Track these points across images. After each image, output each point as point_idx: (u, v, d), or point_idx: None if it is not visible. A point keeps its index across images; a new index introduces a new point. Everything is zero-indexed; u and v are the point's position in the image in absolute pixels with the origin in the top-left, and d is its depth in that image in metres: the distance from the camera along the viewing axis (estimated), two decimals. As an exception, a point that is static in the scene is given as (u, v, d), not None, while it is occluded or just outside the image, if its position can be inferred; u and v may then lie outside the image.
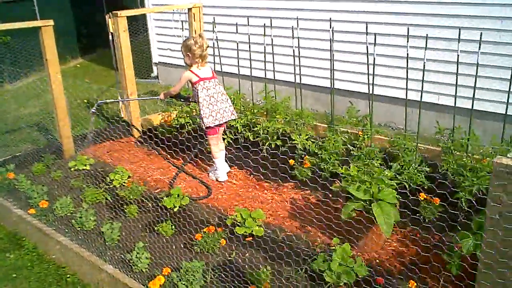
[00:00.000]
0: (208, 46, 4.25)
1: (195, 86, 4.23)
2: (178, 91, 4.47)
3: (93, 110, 4.66)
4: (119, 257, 3.25)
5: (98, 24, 11.88)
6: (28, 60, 9.72)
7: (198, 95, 4.21)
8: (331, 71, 4.69)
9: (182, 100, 4.68)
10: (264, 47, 5.04)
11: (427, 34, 4.00)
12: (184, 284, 2.92)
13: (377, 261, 3.21)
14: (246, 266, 3.07)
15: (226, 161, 4.58)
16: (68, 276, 3.32)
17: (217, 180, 4.48)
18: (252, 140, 4.89)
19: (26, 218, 3.71)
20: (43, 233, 3.51)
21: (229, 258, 3.22)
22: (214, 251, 3.29)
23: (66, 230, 3.60)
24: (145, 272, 3.08)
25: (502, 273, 1.38)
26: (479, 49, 3.78)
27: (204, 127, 4.29)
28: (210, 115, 4.23)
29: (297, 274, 3.01)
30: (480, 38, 3.78)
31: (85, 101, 7.57)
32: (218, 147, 4.45)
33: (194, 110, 5.23)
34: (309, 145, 4.46)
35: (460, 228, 2.79)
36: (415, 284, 2.79)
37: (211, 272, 3.04)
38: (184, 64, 4.44)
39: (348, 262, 2.92)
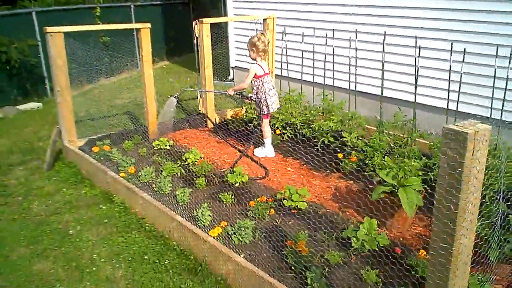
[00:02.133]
0: (269, 42, 5.10)
1: (260, 79, 5.05)
2: (247, 86, 5.25)
3: (176, 95, 5.51)
4: (188, 214, 4.03)
5: (184, 30, 13.14)
6: (122, 60, 11.04)
7: (263, 86, 5.05)
8: (381, 80, 5.25)
9: (243, 97, 5.42)
10: (325, 56, 5.71)
11: (464, 49, 4.47)
12: (236, 237, 3.64)
13: (401, 239, 3.74)
14: (289, 230, 3.74)
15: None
16: (147, 225, 4.16)
17: (265, 156, 5.34)
18: (308, 136, 5.55)
19: (117, 179, 4.62)
20: (131, 190, 4.39)
21: (275, 223, 3.90)
22: (264, 217, 3.99)
23: (148, 192, 4.45)
24: (207, 226, 3.83)
25: (449, 207, 1.90)
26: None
27: (262, 113, 5.17)
28: (269, 104, 5.15)
29: (329, 239, 3.63)
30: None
31: (168, 96, 8.59)
32: (269, 129, 5.33)
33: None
34: (357, 143, 5.05)
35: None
36: (425, 252, 3.32)
37: (259, 231, 3.73)
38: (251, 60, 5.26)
39: (373, 233, 3.51)
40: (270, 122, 5.47)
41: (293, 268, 3.27)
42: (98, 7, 11.10)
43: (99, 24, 10.41)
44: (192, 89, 6.54)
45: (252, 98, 5.28)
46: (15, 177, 5.32)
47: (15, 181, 5.21)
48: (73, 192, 4.88)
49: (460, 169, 1.81)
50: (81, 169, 5.30)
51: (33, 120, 7.71)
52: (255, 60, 5.19)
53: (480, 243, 3.22)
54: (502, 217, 3.30)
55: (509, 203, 3.45)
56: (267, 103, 5.19)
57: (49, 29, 5.02)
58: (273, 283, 2.97)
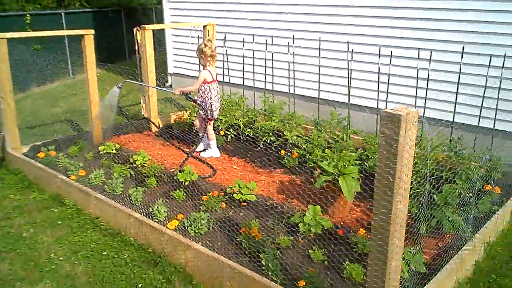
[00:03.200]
0: (216, 47, 5.40)
1: (208, 84, 5.31)
2: (196, 89, 5.48)
3: (120, 85, 5.56)
4: (143, 210, 4.19)
5: (117, 38, 13.10)
6: (53, 68, 10.84)
7: (210, 92, 5.31)
8: (318, 83, 5.70)
9: (190, 99, 5.62)
10: (265, 61, 6.08)
11: (391, 52, 4.99)
12: (192, 229, 3.87)
13: (341, 223, 4.14)
14: (240, 220, 4.02)
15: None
16: (102, 224, 4.27)
17: (211, 157, 5.63)
18: (252, 136, 5.87)
19: (68, 182, 4.68)
20: (83, 192, 4.48)
21: (227, 215, 4.17)
22: (216, 210, 4.24)
23: (100, 193, 4.56)
24: (163, 220, 4.02)
25: (387, 178, 2.26)
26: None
27: (207, 117, 5.45)
28: (213, 110, 5.45)
29: (278, 226, 3.95)
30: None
31: (107, 103, 8.60)
32: (213, 132, 5.68)
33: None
34: (297, 140, 5.45)
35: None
36: (364, 231, 3.73)
37: (213, 223, 3.98)
38: (197, 72, 5.51)
39: (317, 218, 3.88)
40: (213, 125, 5.73)
41: (247, 252, 3.55)
42: (28, 15, 10.85)
43: (29, 31, 10.19)
44: (136, 82, 6.58)
45: (198, 101, 5.51)
46: (-44, 186, 5.20)
47: (-43, 189, 5.10)
48: (21, 197, 4.87)
49: (395, 145, 2.18)
50: (28, 175, 5.27)
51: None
52: (204, 66, 5.42)
53: (411, 222, 3.69)
54: (429, 196, 3.79)
55: (433, 185, 3.96)
56: (211, 108, 5.45)
57: (-9, 34, 4.99)
58: (231, 265, 3.24)
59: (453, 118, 5.03)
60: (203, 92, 5.41)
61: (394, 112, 2.16)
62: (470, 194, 4.21)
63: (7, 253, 3.90)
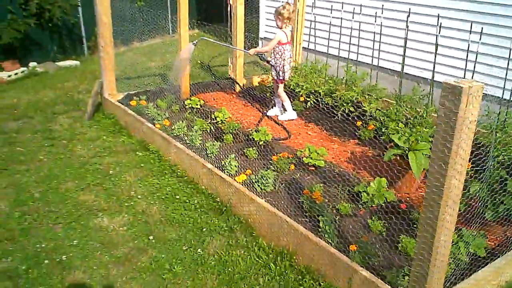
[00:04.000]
0: (293, 11, 5.55)
1: (283, 46, 5.48)
2: (270, 50, 5.62)
3: (195, 42, 5.78)
4: (216, 163, 4.46)
5: (216, 1, 13.43)
6: (155, 24, 11.42)
7: (284, 53, 5.51)
8: (403, 57, 5.55)
9: (263, 59, 5.73)
10: (351, 30, 6.01)
11: (482, 28, 4.71)
12: (259, 185, 4.07)
13: (407, 198, 4.12)
14: (306, 184, 4.15)
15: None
16: (179, 171, 4.62)
17: (288, 120, 5.75)
18: (331, 104, 5.90)
19: (153, 129, 5.08)
20: (165, 140, 4.85)
21: (294, 177, 4.32)
22: (284, 171, 4.40)
23: (180, 143, 4.90)
24: (233, 174, 4.26)
25: (443, 150, 2.23)
26: None
27: (278, 78, 5.62)
28: (285, 71, 5.67)
29: (342, 193, 4.03)
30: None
31: (199, 62, 9.00)
32: (285, 94, 5.81)
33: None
34: (376, 113, 5.40)
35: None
36: (427, 208, 3.70)
37: (279, 182, 4.15)
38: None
39: (381, 190, 3.90)
40: (289, 89, 5.89)
41: (308, 214, 3.69)
42: (135, -29, 11.45)
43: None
44: (211, 40, 6.81)
45: (271, 62, 5.64)
46: (59, 123, 5.83)
47: (60, 127, 5.72)
48: (112, 139, 5.37)
49: (454, 118, 2.17)
50: (120, 120, 5.77)
51: (72, 76, 8.21)
52: (280, 28, 5.56)
53: (477, 206, 3.60)
54: (502, 182, 3.65)
55: (509, 171, 3.79)
56: (284, 70, 5.64)
57: (97, -13, 5.44)
58: (289, 222, 3.40)
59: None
60: (277, 53, 5.56)
61: (455, 84, 2.14)
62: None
63: (95, 186, 4.38)
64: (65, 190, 4.30)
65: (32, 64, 8.57)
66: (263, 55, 5.68)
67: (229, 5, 6.82)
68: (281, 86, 5.76)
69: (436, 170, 2.31)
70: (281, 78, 5.67)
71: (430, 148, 4.12)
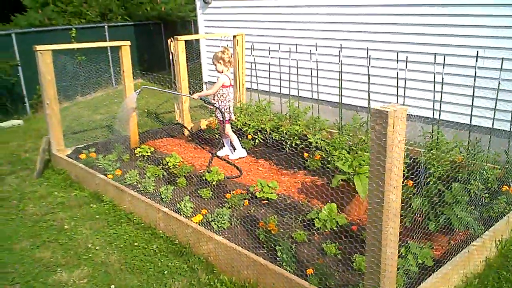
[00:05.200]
0: (232, 54, 5.86)
1: (226, 88, 5.74)
2: (214, 93, 5.85)
3: (138, 91, 5.99)
4: (172, 206, 4.54)
5: (157, 50, 13.70)
6: (97, 78, 11.48)
7: (228, 95, 5.81)
8: (339, 89, 5.92)
9: (207, 102, 5.96)
10: (289, 68, 6.37)
11: (406, 57, 5.16)
12: (215, 223, 4.17)
13: (357, 220, 4.35)
14: (261, 217, 4.29)
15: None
16: (135, 218, 4.65)
17: (240, 157, 5.97)
18: (278, 139, 6.15)
19: (106, 180, 5.10)
20: (119, 189, 4.88)
21: (249, 212, 4.46)
22: (239, 207, 4.53)
23: (134, 191, 4.94)
24: (189, 216, 4.34)
25: (378, 169, 2.46)
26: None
27: (225, 119, 5.87)
28: (231, 111, 5.98)
29: (295, 222, 4.20)
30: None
31: (146, 110, 9.11)
32: (232, 133, 6.05)
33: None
34: (320, 143, 5.68)
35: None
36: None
37: (235, 218, 4.28)
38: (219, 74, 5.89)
39: (332, 215, 4.11)
40: (233, 126, 6.20)
41: (265, 246, 3.82)
42: (73, 28, 11.57)
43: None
44: (154, 88, 7.08)
45: (215, 105, 5.86)
46: (7, 184, 5.73)
47: (9, 187, 5.62)
48: (64, 194, 5.34)
49: (384, 139, 2.41)
50: (70, 174, 5.75)
51: (16, 135, 8.09)
52: (221, 72, 5.83)
53: (421, 219, 3.87)
54: (440, 195, 3.96)
55: (444, 184, 4.11)
56: (229, 110, 5.93)
57: (38, 47, 5.51)
58: (248, 255, 3.51)
59: (470, 121, 5.14)
60: (221, 95, 5.81)
61: (382, 109, 2.40)
62: (485, 194, 4.34)
63: (50, 243, 4.33)
64: (20, 249, 4.22)
65: (-28, 127, 8.39)
66: (207, 99, 5.89)
67: (171, 53, 7.04)
68: (227, 126, 5.96)
69: (374, 187, 2.53)
70: (227, 118, 5.88)
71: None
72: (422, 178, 4.35)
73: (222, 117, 5.85)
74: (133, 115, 6.33)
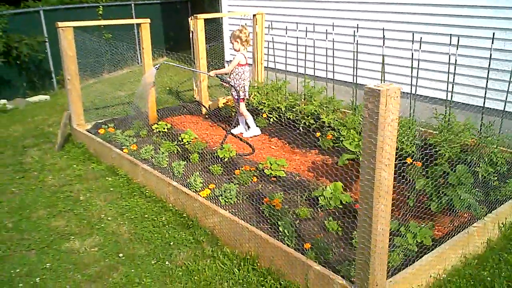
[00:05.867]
0: (250, 33, 5.87)
1: (242, 67, 5.78)
2: (230, 71, 5.91)
3: (157, 66, 6.06)
4: (182, 181, 4.67)
5: (183, 28, 13.76)
6: (123, 55, 11.68)
7: (243, 74, 5.86)
8: (354, 69, 5.90)
9: (223, 80, 6.05)
10: (305, 47, 6.36)
11: (421, 38, 5.10)
12: (222, 198, 4.29)
13: (363, 199, 4.38)
14: (268, 194, 4.38)
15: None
16: (147, 191, 4.81)
17: (253, 136, 6.04)
18: (292, 118, 6.20)
19: (121, 154, 5.28)
20: (133, 163, 5.05)
21: (256, 188, 4.55)
22: (247, 184, 4.64)
23: (148, 165, 5.10)
24: (198, 190, 4.47)
25: (370, 147, 2.50)
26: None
27: (239, 98, 5.94)
28: (246, 90, 6.04)
29: (300, 199, 4.28)
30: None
31: (167, 88, 9.26)
32: (247, 111, 6.10)
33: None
34: (333, 123, 5.70)
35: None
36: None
37: (242, 194, 4.38)
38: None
39: (337, 193, 4.16)
40: (248, 104, 6.21)
41: (268, 221, 3.92)
42: (100, 6, 11.76)
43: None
44: (174, 64, 7.17)
45: (230, 83, 5.94)
46: (30, 156, 5.99)
47: (31, 159, 5.87)
48: (82, 167, 5.55)
49: (376, 118, 2.45)
50: (89, 148, 5.96)
51: (42, 110, 8.37)
52: (238, 50, 5.88)
53: (424, 200, 3.89)
54: (445, 176, 3.96)
55: (452, 165, 4.11)
56: (244, 89, 5.98)
57: (60, 24, 5.68)
58: (249, 228, 3.62)
59: (483, 104, 5.07)
60: (236, 74, 5.87)
61: (375, 87, 2.43)
62: (494, 177, 4.31)
63: (66, 213, 4.54)
64: (37, 218, 4.45)
65: (1, 101, 8.71)
66: (223, 77, 5.97)
67: (191, 32, 7.12)
68: (242, 104, 6.03)
69: (366, 165, 2.58)
70: (241, 97, 5.95)
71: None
72: (430, 160, 4.34)
73: (237, 95, 5.93)
74: (152, 91, 6.46)
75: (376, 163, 2.53)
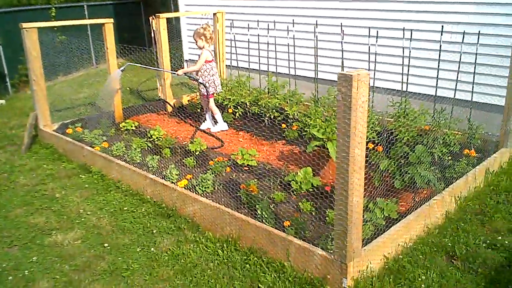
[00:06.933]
0: (213, 31, 6.03)
1: (210, 63, 5.95)
2: (198, 69, 6.09)
3: (122, 68, 6.13)
4: (158, 174, 4.82)
5: (137, 29, 13.76)
6: (77, 57, 11.56)
7: (211, 70, 6.05)
8: (315, 64, 6.23)
9: (192, 78, 6.24)
10: (267, 44, 6.63)
11: (377, 31, 5.49)
12: (200, 188, 4.48)
13: (331, 183, 4.70)
14: (242, 181, 4.61)
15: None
16: (123, 186, 4.93)
17: (220, 131, 6.23)
18: (257, 112, 6.45)
19: (94, 152, 5.35)
20: (107, 160, 5.14)
21: (231, 177, 4.77)
22: (221, 174, 4.85)
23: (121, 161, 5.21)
24: (175, 182, 4.63)
25: (344, 127, 2.79)
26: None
27: (208, 94, 6.13)
28: (216, 85, 6.19)
29: (274, 185, 4.54)
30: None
31: (128, 88, 9.30)
32: (216, 107, 6.30)
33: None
34: (297, 115, 6.00)
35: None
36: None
37: (218, 183, 4.59)
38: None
39: (308, 177, 4.45)
40: (215, 100, 6.40)
41: (246, 206, 4.15)
42: (53, 7, 11.58)
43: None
44: (138, 65, 7.28)
45: (199, 80, 6.12)
46: (-4, 158, 5.94)
47: (-2, 161, 5.84)
48: (53, 167, 5.57)
49: (349, 99, 2.74)
50: (58, 148, 5.97)
51: (0, 114, 8.22)
52: (202, 48, 6.07)
53: (388, 179, 4.24)
54: (406, 157, 4.33)
55: (410, 147, 4.48)
56: (215, 84, 6.17)
57: (24, 25, 5.68)
58: (230, 212, 3.84)
59: (435, 92, 5.52)
60: (204, 70, 6.07)
61: (347, 73, 2.71)
62: (448, 157, 4.73)
63: (44, 210, 4.59)
64: (14, 216, 4.48)
65: (-44, 107, 8.48)
66: (192, 75, 6.15)
67: (152, 31, 7.22)
68: (211, 100, 6.23)
69: (341, 143, 2.86)
70: (211, 92, 6.14)
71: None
72: (390, 143, 4.71)
73: (206, 92, 6.11)
74: (117, 91, 6.54)
75: (350, 141, 2.82)
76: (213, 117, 6.39)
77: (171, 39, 10.63)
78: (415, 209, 3.88)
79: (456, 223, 4.02)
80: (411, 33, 5.56)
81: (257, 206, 3.97)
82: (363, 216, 3.66)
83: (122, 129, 6.29)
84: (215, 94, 6.34)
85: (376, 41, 5.66)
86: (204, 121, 6.47)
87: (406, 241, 3.66)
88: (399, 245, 3.60)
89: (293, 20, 6.76)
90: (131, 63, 6.83)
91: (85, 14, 12.46)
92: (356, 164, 2.90)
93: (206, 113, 6.41)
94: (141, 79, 10.20)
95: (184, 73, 6.17)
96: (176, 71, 6.29)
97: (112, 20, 6.31)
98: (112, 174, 5.13)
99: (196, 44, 6.19)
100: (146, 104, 7.60)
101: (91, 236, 4.09)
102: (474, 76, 5.37)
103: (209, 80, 6.11)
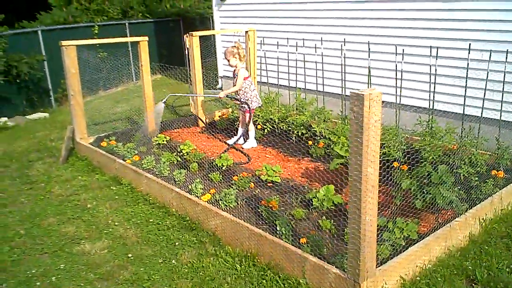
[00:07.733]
0: (244, 49, 6.25)
1: (247, 80, 6.08)
2: (239, 89, 6.21)
3: (164, 100, 6.40)
4: (183, 188, 4.96)
5: (176, 45, 14.17)
6: (118, 73, 12.01)
7: (251, 85, 6.18)
8: (343, 81, 6.27)
9: (234, 98, 6.40)
10: (296, 61, 6.73)
11: (403, 50, 5.48)
12: (223, 202, 4.59)
13: (354, 201, 4.70)
14: (265, 197, 4.69)
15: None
16: (150, 198, 5.10)
17: (251, 147, 6.33)
18: (285, 129, 6.53)
19: (125, 165, 5.56)
20: (136, 173, 5.34)
21: (254, 193, 4.86)
22: (245, 189, 4.94)
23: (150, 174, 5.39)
24: (199, 196, 4.76)
25: (357, 146, 2.81)
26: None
27: (249, 108, 6.18)
28: (258, 100, 6.27)
29: (296, 202, 4.59)
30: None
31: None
32: (252, 125, 6.35)
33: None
34: (324, 132, 6.04)
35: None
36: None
37: (241, 199, 4.68)
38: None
39: (329, 195, 4.48)
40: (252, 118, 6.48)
41: (267, 221, 4.21)
42: (96, 25, 12.12)
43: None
44: (179, 94, 7.53)
45: (240, 99, 6.25)
46: (35, 169, 6.25)
47: (37, 172, 6.14)
48: (87, 178, 5.82)
49: (361, 119, 2.78)
50: (92, 160, 6.24)
51: (42, 126, 8.65)
52: (235, 66, 6.19)
53: (409, 198, 4.22)
54: (429, 177, 4.29)
55: (434, 167, 4.44)
56: (257, 99, 6.30)
57: (64, 42, 6.01)
58: (249, 227, 3.92)
59: (463, 111, 5.44)
60: (245, 88, 6.17)
61: (359, 92, 2.77)
62: (475, 178, 4.65)
63: (75, 219, 4.81)
64: (47, 225, 4.71)
65: (2, 119, 8.97)
66: (232, 95, 6.32)
67: (186, 49, 7.47)
68: (250, 116, 6.31)
69: (354, 162, 2.91)
70: (253, 108, 6.27)
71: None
72: (415, 162, 4.68)
73: (249, 107, 6.22)
74: (152, 107, 6.78)
75: (362, 160, 2.86)
76: (246, 133, 6.47)
77: (208, 56, 10.95)
78: (436, 230, 3.85)
79: (480, 246, 3.95)
80: (437, 50, 5.53)
81: (276, 222, 4.03)
82: (381, 235, 3.68)
83: (154, 143, 6.50)
84: (256, 108, 6.46)
85: (402, 59, 5.66)
86: (246, 139, 6.56)
87: (425, 263, 3.63)
88: (417, 266, 3.57)
89: (321, 38, 6.84)
90: (172, 93, 7.09)
91: (126, 31, 12.95)
92: (369, 182, 2.93)
93: (241, 128, 6.51)
94: (176, 95, 10.47)
95: (226, 95, 6.33)
96: (218, 94, 6.43)
97: (146, 38, 6.58)
98: (141, 187, 5.31)
99: (229, 63, 6.31)
100: (178, 119, 7.81)
101: (117, 246, 4.26)
102: (502, 95, 5.28)
103: (251, 95, 6.22)
